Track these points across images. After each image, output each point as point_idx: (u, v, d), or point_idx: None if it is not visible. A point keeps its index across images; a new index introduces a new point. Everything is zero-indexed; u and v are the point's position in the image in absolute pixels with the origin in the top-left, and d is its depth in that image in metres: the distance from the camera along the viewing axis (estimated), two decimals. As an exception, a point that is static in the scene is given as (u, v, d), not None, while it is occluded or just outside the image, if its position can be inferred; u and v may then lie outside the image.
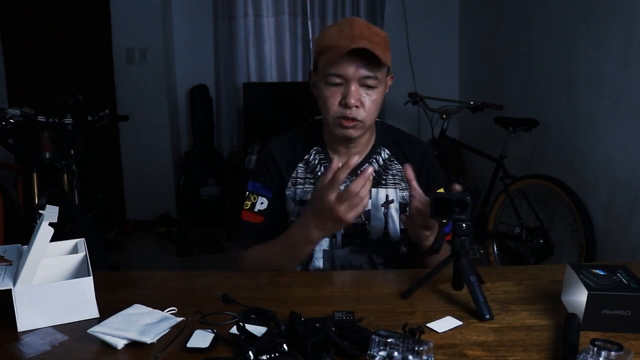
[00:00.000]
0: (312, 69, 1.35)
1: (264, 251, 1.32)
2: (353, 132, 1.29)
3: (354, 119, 1.26)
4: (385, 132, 1.42)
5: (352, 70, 1.23)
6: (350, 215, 1.12)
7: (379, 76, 1.25)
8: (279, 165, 1.38)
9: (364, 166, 1.37)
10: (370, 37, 1.23)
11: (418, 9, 4.35)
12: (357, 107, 1.25)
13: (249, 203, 1.40)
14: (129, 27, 4.04)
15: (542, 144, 3.12)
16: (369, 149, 1.39)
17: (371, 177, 1.12)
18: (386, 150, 1.40)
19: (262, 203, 1.39)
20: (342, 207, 1.11)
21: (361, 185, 1.10)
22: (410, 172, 1.18)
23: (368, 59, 1.22)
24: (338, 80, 1.25)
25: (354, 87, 1.24)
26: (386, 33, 1.30)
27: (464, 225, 1.03)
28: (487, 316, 0.98)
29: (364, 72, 1.24)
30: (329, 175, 1.12)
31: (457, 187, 1.09)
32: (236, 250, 1.42)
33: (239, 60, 4.35)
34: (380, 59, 1.21)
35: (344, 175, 1.10)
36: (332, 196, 1.11)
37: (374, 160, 1.39)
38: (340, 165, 1.12)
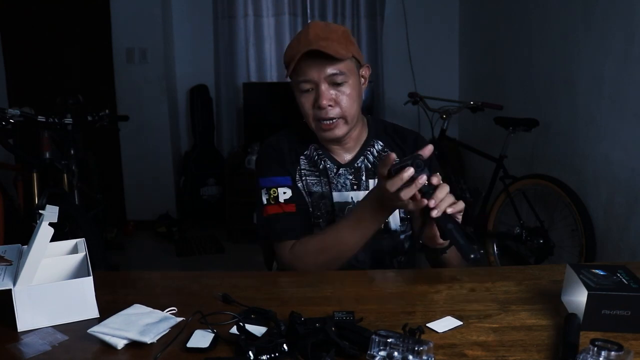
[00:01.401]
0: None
1: (324, 238, 1.27)
2: (337, 132, 1.32)
3: (331, 119, 1.29)
4: (377, 125, 1.46)
5: (315, 72, 1.27)
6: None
7: (345, 70, 1.28)
8: (284, 157, 1.39)
9: (360, 159, 1.40)
10: (327, 35, 1.26)
11: (418, 9, 4.35)
12: (330, 106, 1.28)
13: (271, 197, 1.34)
14: (129, 27, 4.04)
15: (542, 144, 3.12)
16: (362, 143, 1.41)
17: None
18: (379, 142, 1.43)
19: (285, 193, 1.35)
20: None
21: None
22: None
23: (327, 57, 1.25)
24: (308, 87, 1.29)
25: (323, 88, 1.27)
26: (346, 28, 1.34)
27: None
28: (473, 255, 0.96)
29: (327, 70, 1.26)
30: (385, 169, 1.11)
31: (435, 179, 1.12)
32: (282, 249, 1.32)
33: (239, 60, 4.35)
34: (337, 55, 1.24)
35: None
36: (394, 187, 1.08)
37: (369, 152, 1.41)
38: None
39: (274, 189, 1.35)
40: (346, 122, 1.31)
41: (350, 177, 1.39)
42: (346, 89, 1.29)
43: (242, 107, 4.34)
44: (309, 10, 4.36)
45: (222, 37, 4.31)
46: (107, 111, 2.94)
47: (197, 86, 4.38)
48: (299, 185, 1.39)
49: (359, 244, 1.25)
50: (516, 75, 3.45)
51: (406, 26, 4.34)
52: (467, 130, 4.33)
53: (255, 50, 4.36)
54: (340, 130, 1.31)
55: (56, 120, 2.71)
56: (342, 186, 1.38)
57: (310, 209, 1.38)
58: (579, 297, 0.96)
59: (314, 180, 1.39)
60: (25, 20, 4.19)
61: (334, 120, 1.30)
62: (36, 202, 2.56)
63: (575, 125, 2.78)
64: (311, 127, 1.34)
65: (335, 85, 1.28)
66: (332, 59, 1.26)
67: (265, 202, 1.35)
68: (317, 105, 1.28)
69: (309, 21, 4.33)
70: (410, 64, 4.38)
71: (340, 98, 1.29)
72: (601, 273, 0.98)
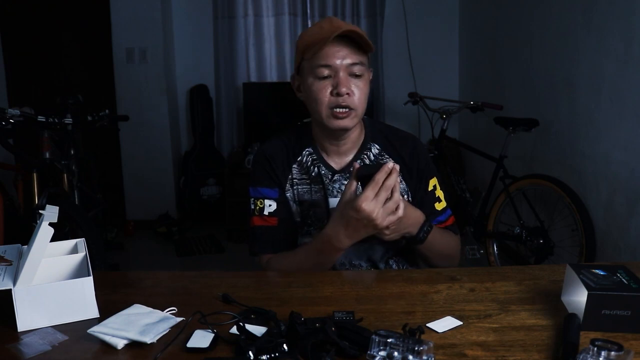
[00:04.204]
0: (295, 72, 1.36)
1: (290, 260, 1.31)
2: (348, 122, 1.29)
3: (347, 108, 1.27)
4: (374, 127, 1.43)
5: (339, 58, 1.25)
6: (387, 221, 1.12)
7: (364, 63, 1.28)
8: (276, 167, 1.38)
9: (356, 161, 1.37)
10: (353, 28, 1.26)
11: (418, 9, 4.35)
12: (348, 94, 1.27)
13: (257, 208, 1.37)
14: (129, 27, 4.04)
15: (542, 144, 3.12)
16: (359, 145, 1.39)
17: (397, 176, 1.11)
18: (376, 146, 1.40)
19: (270, 205, 1.36)
20: (380, 213, 1.10)
21: (392, 185, 1.10)
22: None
23: (352, 47, 1.25)
24: (327, 72, 1.27)
25: (343, 75, 1.26)
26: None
27: None
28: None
29: (350, 59, 1.26)
30: (353, 185, 1.14)
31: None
32: (261, 260, 1.38)
33: (239, 60, 4.35)
34: (365, 44, 1.24)
35: (390, 182, 1.10)
36: (370, 204, 1.10)
37: (365, 157, 1.39)
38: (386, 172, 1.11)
39: (261, 200, 1.37)
40: (357, 115, 1.30)
41: (346, 183, 1.35)
42: (361, 84, 1.28)
43: (242, 107, 4.34)
44: (309, 10, 4.36)
45: (222, 37, 4.31)
46: (107, 111, 2.95)
47: (197, 86, 4.38)
48: (288, 194, 1.38)
49: (323, 269, 1.27)
50: (516, 75, 3.45)
51: (406, 26, 4.35)
52: (467, 130, 4.33)
53: (255, 50, 4.35)
54: (351, 121, 1.29)
55: (56, 120, 2.71)
56: (337, 192, 1.36)
57: (300, 219, 1.38)
58: (579, 297, 0.96)
59: (305, 189, 1.38)
60: (25, 21, 4.19)
61: (348, 110, 1.28)
62: (36, 202, 2.56)
63: (575, 125, 2.78)
64: (320, 116, 1.30)
65: (353, 76, 1.27)
66: (357, 49, 1.25)
67: (252, 212, 1.38)
68: (335, 92, 1.26)
69: (309, 21, 4.35)
70: (410, 64, 4.38)
71: (355, 91, 1.27)
72: (601, 273, 0.98)
